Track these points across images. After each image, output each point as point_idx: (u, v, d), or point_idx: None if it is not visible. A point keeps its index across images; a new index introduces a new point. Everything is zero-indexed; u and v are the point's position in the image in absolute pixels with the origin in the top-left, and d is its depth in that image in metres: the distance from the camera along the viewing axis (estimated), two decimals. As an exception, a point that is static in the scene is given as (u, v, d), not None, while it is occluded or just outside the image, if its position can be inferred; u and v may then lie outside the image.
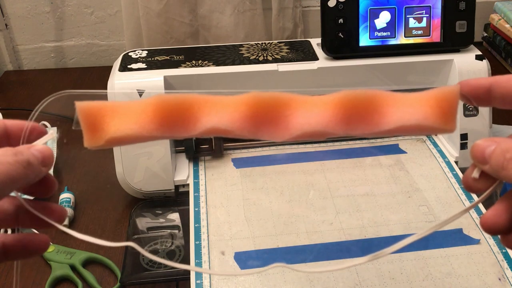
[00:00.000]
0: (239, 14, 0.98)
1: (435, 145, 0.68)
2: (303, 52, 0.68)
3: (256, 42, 0.72)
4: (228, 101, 0.33)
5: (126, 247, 0.56)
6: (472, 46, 0.68)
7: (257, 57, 0.67)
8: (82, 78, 1.03)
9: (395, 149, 0.68)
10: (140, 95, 0.61)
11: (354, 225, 0.57)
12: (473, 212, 0.58)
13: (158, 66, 0.65)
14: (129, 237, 0.59)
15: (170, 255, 0.57)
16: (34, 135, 0.33)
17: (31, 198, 0.33)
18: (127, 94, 0.62)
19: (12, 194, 0.32)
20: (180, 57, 0.67)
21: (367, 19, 0.66)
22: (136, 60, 0.66)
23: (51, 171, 0.54)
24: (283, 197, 0.60)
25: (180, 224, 0.61)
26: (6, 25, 1.05)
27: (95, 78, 1.03)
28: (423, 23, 0.66)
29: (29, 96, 0.96)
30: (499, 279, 0.51)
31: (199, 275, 0.51)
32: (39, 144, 0.32)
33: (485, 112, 0.65)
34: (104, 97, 0.61)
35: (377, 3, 0.65)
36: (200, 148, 0.66)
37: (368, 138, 0.69)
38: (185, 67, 0.65)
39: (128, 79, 0.63)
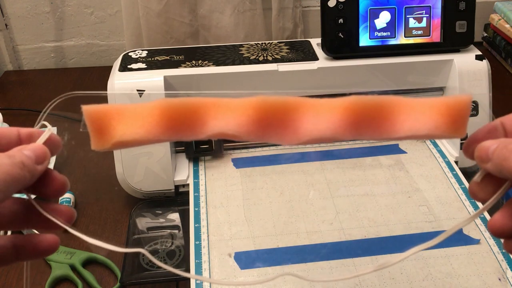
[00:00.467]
0: (239, 14, 0.98)
1: (435, 145, 0.68)
2: (303, 52, 0.68)
3: (256, 42, 0.72)
4: (235, 104, 0.33)
5: (127, 247, 0.56)
6: (472, 46, 0.68)
7: (257, 57, 0.67)
8: (82, 78, 1.03)
9: (395, 149, 0.68)
10: (140, 95, 0.61)
11: (354, 225, 0.57)
12: (473, 212, 0.58)
13: (158, 66, 0.65)
14: (129, 237, 0.59)
15: (170, 255, 0.57)
16: (47, 143, 0.33)
17: (42, 199, 0.33)
18: (128, 96, 0.62)
19: (24, 196, 0.33)
20: (180, 57, 0.67)
21: (367, 19, 0.66)
22: (136, 60, 0.66)
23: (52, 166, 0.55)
24: (283, 197, 0.60)
25: (180, 224, 0.61)
26: (6, 25, 1.05)
27: (95, 78, 1.03)
28: (423, 23, 0.66)
29: (29, 96, 0.96)
30: (499, 279, 0.51)
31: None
32: (38, 143, 0.32)
33: (485, 112, 0.65)
34: (106, 96, 0.61)
35: (377, 3, 0.65)
36: (200, 148, 0.66)
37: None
38: (185, 67, 0.65)
39: (128, 79, 0.63)
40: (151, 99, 0.35)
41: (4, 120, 0.79)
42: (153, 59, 0.67)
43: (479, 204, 0.59)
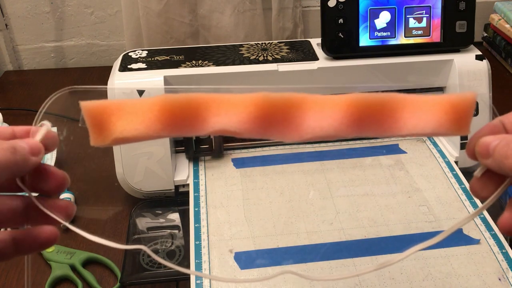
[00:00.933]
0: (239, 14, 0.98)
1: (435, 145, 0.68)
2: (303, 52, 0.68)
3: (256, 42, 0.72)
4: (236, 100, 0.32)
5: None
6: (472, 46, 0.68)
7: (257, 57, 0.67)
8: (82, 78, 1.03)
9: (395, 149, 0.68)
10: (140, 95, 0.61)
11: (354, 225, 0.57)
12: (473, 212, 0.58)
13: (158, 66, 0.65)
14: (129, 237, 0.59)
15: (170, 255, 0.57)
16: (44, 140, 0.33)
17: (43, 195, 0.34)
18: (128, 94, 0.62)
19: (24, 193, 0.33)
20: (180, 57, 0.67)
21: (367, 19, 0.66)
22: (136, 60, 0.66)
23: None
24: (283, 197, 0.60)
25: (180, 224, 0.61)
26: (6, 25, 1.05)
27: (95, 78, 1.03)
28: (423, 23, 0.66)
29: (29, 96, 0.96)
30: (499, 279, 0.51)
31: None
32: (36, 139, 0.32)
33: (485, 112, 0.65)
34: (106, 94, 0.61)
35: (377, 3, 0.65)
36: (200, 148, 0.66)
37: (368, 138, 0.69)
38: (185, 67, 0.65)
39: (128, 79, 0.63)
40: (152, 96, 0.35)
41: (4, 120, 0.79)
42: (153, 59, 0.67)
43: (479, 204, 0.59)
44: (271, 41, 0.72)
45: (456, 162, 0.65)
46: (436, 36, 0.67)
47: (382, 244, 0.54)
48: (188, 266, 0.53)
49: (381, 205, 0.59)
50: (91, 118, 0.32)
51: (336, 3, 0.65)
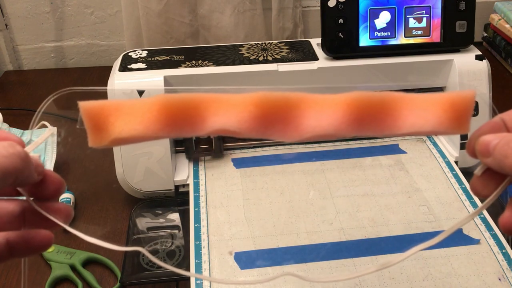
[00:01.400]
0: (239, 14, 0.98)
1: (435, 145, 0.68)
2: (303, 52, 0.68)
3: (256, 42, 0.72)
4: (236, 100, 0.32)
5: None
6: (472, 46, 0.68)
7: (257, 57, 0.67)
8: (82, 78, 1.03)
9: (395, 149, 0.68)
10: (140, 95, 0.61)
11: (354, 225, 0.57)
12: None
13: (158, 66, 0.65)
14: (129, 237, 0.59)
15: (170, 255, 0.57)
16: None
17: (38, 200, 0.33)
18: (127, 94, 0.62)
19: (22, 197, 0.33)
20: (180, 57, 0.67)
21: (367, 19, 0.66)
22: (136, 60, 0.66)
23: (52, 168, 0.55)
24: (283, 197, 0.60)
25: (180, 224, 0.61)
26: (6, 25, 1.05)
27: (95, 78, 1.03)
28: (423, 23, 0.66)
29: (29, 96, 0.96)
30: (499, 279, 0.51)
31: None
32: (38, 142, 0.32)
33: (485, 112, 0.65)
34: (105, 94, 0.61)
35: (377, 3, 0.65)
36: (200, 148, 0.66)
37: (368, 138, 0.69)
38: (185, 67, 0.65)
39: (128, 79, 0.63)
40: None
41: (4, 120, 0.79)
42: (153, 59, 0.67)
43: (479, 204, 0.59)
44: (271, 41, 0.72)
45: (456, 162, 0.65)
46: (436, 36, 0.67)
47: (382, 244, 0.54)
48: (188, 266, 0.53)
49: (381, 205, 0.59)
50: (89, 119, 0.32)
51: (336, 3, 0.65)
